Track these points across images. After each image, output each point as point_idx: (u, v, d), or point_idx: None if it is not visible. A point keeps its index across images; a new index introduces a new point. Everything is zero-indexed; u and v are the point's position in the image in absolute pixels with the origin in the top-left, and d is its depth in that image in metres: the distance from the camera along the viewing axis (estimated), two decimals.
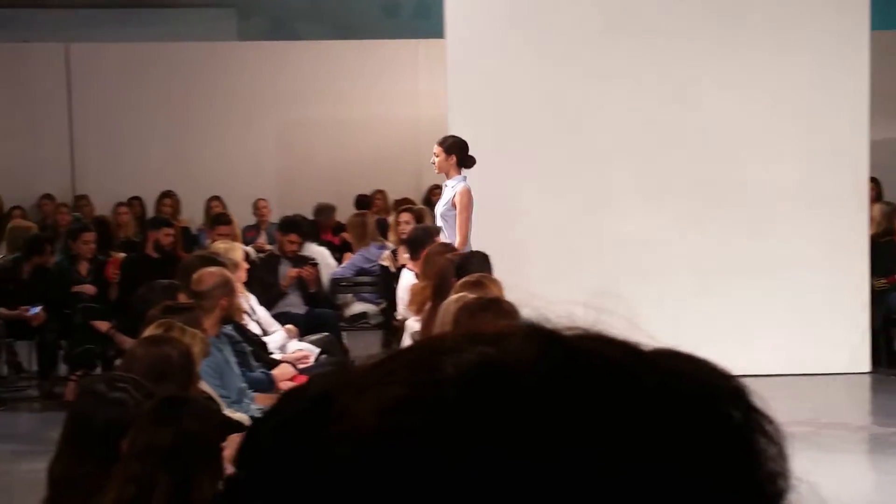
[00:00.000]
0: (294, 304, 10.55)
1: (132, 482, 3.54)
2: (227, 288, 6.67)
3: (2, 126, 16.17)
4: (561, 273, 9.70)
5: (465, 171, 9.14)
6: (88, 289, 10.54)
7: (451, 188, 9.07)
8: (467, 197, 9.00)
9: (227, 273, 6.88)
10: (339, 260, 11.86)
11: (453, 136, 9.26)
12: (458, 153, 9.09)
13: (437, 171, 9.22)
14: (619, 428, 0.65)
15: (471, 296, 5.75)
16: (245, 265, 8.73)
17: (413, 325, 8.03)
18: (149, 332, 5.11)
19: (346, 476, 0.65)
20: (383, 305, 10.92)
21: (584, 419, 0.65)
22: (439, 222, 9.16)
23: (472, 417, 0.65)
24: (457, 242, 8.86)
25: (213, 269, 6.85)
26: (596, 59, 10.37)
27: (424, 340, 0.73)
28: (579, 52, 10.40)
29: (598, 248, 10.34)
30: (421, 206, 12.63)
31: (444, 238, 9.04)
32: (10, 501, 8.09)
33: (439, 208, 9.22)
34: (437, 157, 9.11)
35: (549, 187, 10.42)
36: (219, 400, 5.76)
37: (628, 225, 10.34)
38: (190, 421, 3.68)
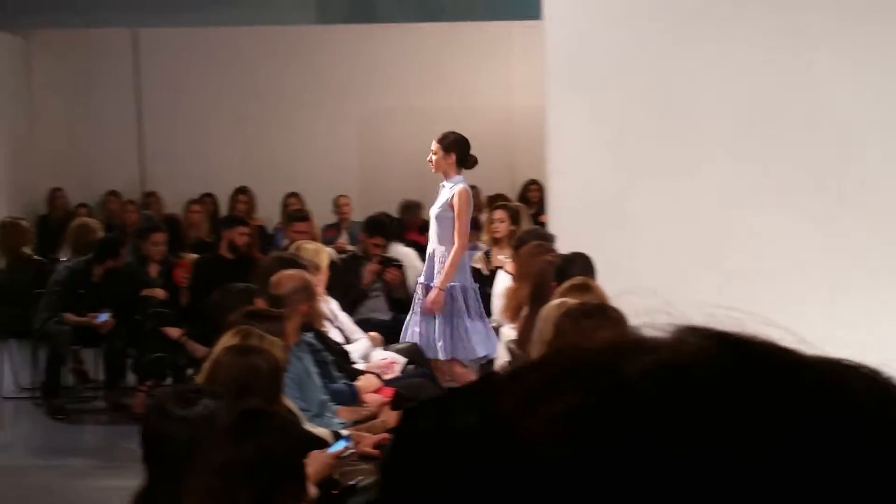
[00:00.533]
0: (378, 309, 10.60)
1: (211, 499, 3.60)
2: (307, 292, 6.73)
3: (67, 117, 16.43)
4: (675, 276, 9.59)
5: (464, 172, 9.26)
6: (158, 293, 10.68)
7: (449, 189, 9.20)
8: (465, 198, 9.14)
9: (308, 276, 6.94)
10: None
11: (454, 133, 9.39)
12: (458, 152, 9.25)
13: (433, 170, 9.35)
14: (812, 435, 0.67)
15: (572, 301, 5.75)
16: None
17: (508, 332, 8.04)
18: (226, 339, 5.17)
19: (544, 491, 0.67)
20: None
21: (781, 419, 0.67)
22: (433, 225, 9.28)
23: (670, 419, 0.67)
24: (454, 248, 9.01)
25: (292, 271, 6.91)
26: (715, 40, 10.25)
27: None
28: (695, 35, 10.27)
29: (717, 248, 10.21)
30: (517, 203, 12.62)
31: (435, 242, 9.16)
32: None
33: (434, 210, 9.36)
34: (435, 155, 9.26)
35: (660, 183, 10.31)
36: (299, 413, 5.82)
37: (751, 221, 10.21)
38: (270, 436, 3.73)
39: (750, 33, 10.27)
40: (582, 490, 0.66)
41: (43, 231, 14.63)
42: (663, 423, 0.67)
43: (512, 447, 0.68)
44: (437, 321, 9.03)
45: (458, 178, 9.19)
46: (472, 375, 9.10)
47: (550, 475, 0.67)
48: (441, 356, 9.05)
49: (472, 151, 15.77)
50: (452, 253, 8.98)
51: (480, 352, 9.12)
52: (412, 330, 9.15)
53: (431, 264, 9.18)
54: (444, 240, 9.12)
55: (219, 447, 3.71)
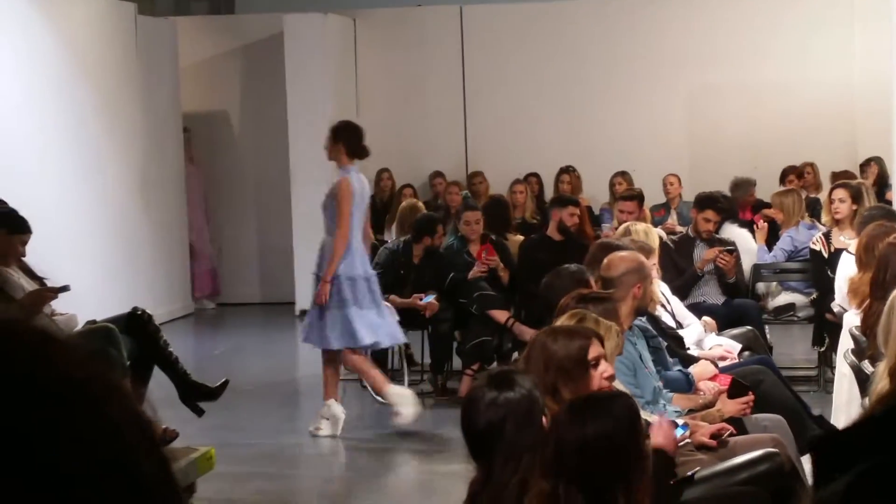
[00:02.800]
0: (710, 293, 10.54)
1: (551, 486, 3.67)
2: (641, 274, 6.72)
3: (393, 97, 16.87)
4: None
5: (357, 162, 9.42)
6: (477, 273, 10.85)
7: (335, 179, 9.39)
8: (344, 189, 9.23)
9: (642, 258, 6.94)
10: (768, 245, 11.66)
11: (346, 122, 9.59)
12: (347, 140, 9.30)
13: (327, 157, 9.49)
14: None
15: None
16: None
17: (852, 319, 7.87)
18: (560, 322, 5.24)
19: None
20: (814, 296, 10.74)
21: None
22: (322, 215, 9.49)
23: None
24: (335, 239, 9.24)
25: (625, 253, 6.92)
26: None
27: None
28: None
29: None
30: (859, 180, 12.29)
31: (323, 232, 9.46)
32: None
33: (324, 200, 9.50)
34: (326, 142, 9.40)
35: None
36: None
37: None
38: (612, 421, 3.78)
39: None
40: None
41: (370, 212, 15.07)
42: None
43: None
44: (327, 312, 9.32)
45: (348, 167, 9.34)
46: (364, 362, 9.66)
47: None
48: (334, 346, 9.39)
49: (807, 127, 15.54)
50: (334, 244, 9.26)
51: (367, 340, 9.43)
52: (306, 320, 9.66)
53: (322, 254, 9.46)
54: (330, 230, 9.39)
55: (557, 432, 3.78)
